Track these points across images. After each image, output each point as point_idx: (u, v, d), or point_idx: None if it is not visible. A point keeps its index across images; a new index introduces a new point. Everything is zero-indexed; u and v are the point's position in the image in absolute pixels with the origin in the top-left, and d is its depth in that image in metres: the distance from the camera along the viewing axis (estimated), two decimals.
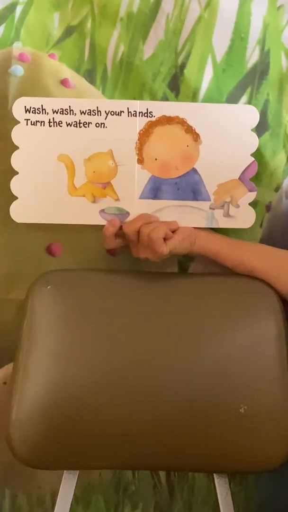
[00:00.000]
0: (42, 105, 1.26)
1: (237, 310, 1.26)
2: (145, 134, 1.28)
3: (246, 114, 1.31)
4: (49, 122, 1.26)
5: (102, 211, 1.30)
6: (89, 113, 1.27)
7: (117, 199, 1.29)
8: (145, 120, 1.28)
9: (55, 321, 1.23)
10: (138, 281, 1.29)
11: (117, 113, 1.27)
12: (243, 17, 1.33)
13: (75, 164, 1.28)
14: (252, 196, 1.32)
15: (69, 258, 1.33)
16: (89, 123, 1.27)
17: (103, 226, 1.29)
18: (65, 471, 1.21)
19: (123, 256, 1.34)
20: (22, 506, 1.41)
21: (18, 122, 1.26)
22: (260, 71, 1.35)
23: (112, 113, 1.27)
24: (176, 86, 1.33)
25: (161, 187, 1.30)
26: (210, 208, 1.31)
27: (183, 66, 1.33)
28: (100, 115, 1.27)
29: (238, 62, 1.34)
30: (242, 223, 1.33)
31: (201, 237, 1.30)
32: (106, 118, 1.27)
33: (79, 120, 1.27)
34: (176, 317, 1.25)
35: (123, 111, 1.27)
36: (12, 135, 1.26)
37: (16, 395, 1.18)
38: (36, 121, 1.26)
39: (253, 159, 1.31)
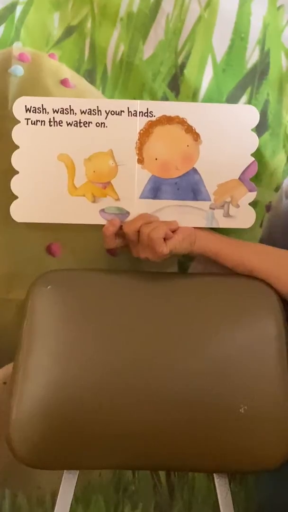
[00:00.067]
0: (42, 105, 1.26)
1: (237, 310, 1.26)
2: (145, 134, 1.28)
3: (246, 114, 1.31)
4: (50, 121, 1.26)
5: (102, 211, 1.30)
6: (89, 113, 1.27)
7: (117, 199, 1.29)
8: (145, 120, 1.28)
9: (55, 321, 1.23)
10: (138, 281, 1.29)
11: (117, 112, 1.27)
12: (243, 17, 1.33)
13: (75, 164, 1.28)
14: (252, 196, 1.32)
15: (69, 258, 1.33)
16: (89, 122, 1.27)
17: (103, 226, 1.29)
18: (65, 471, 1.21)
19: (123, 256, 1.34)
20: (22, 506, 1.41)
21: (18, 121, 1.26)
22: (260, 71, 1.35)
23: (112, 112, 1.27)
24: (176, 86, 1.33)
25: (161, 187, 1.30)
26: (210, 208, 1.31)
27: (183, 66, 1.33)
28: (100, 114, 1.27)
29: (238, 62, 1.34)
30: (242, 223, 1.33)
31: (201, 237, 1.30)
32: (106, 117, 1.27)
33: (79, 120, 1.27)
34: (176, 317, 1.25)
35: (123, 111, 1.27)
36: (12, 135, 1.26)
37: (16, 395, 1.18)
38: (37, 121, 1.26)
39: (253, 159, 1.31)
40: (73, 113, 1.26)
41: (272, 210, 1.38)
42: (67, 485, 1.21)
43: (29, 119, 1.26)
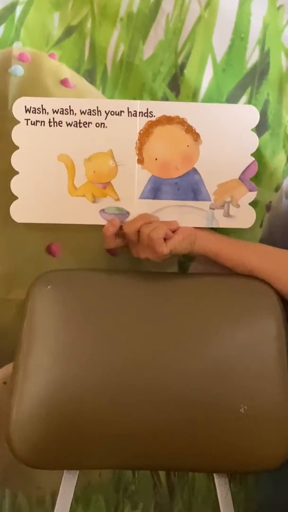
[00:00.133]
0: (42, 105, 1.26)
1: (237, 310, 1.26)
2: (145, 134, 1.28)
3: (246, 114, 1.31)
4: (49, 122, 1.26)
5: (102, 211, 1.30)
6: (89, 113, 1.27)
7: (117, 199, 1.29)
8: (145, 120, 1.28)
9: (55, 321, 1.23)
10: (138, 281, 1.29)
11: (117, 113, 1.27)
12: (243, 17, 1.33)
13: (75, 164, 1.28)
14: (252, 196, 1.32)
15: (69, 258, 1.33)
16: (89, 123, 1.27)
17: (103, 226, 1.29)
18: (65, 471, 1.22)
19: (123, 256, 1.34)
20: (22, 506, 1.41)
21: (18, 122, 1.26)
22: (260, 71, 1.35)
23: (112, 113, 1.27)
24: (176, 86, 1.33)
25: (161, 187, 1.30)
26: (210, 208, 1.31)
27: (183, 66, 1.33)
28: (100, 115, 1.27)
29: (238, 62, 1.34)
30: (242, 223, 1.33)
31: (201, 237, 1.30)
32: (106, 118, 1.27)
33: (79, 120, 1.27)
34: (176, 317, 1.25)
35: (123, 111, 1.27)
36: (12, 135, 1.26)
37: (16, 395, 1.18)
38: (36, 121, 1.26)
39: (253, 159, 1.31)
40: (73, 114, 1.26)
41: (272, 210, 1.38)
42: (67, 485, 1.21)
43: (29, 119, 1.26)
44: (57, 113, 1.26)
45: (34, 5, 1.30)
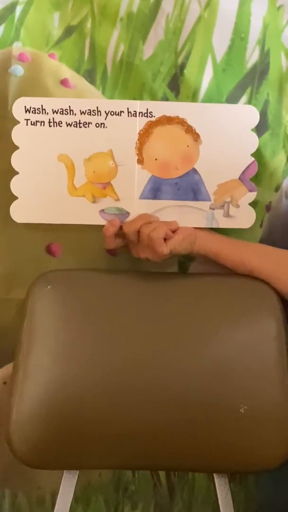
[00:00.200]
0: (42, 105, 1.26)
1: (237, 310, 1.26)
2: (145, 134, 1.28)
3: (246, 114, 1.31)
4: (49, 122, 1.26)
5: (102, 211, 1.30)
6: (89, 113, 1.27)
7: (117, 199, 1.29)
8: (145, 120, 1.28)
9: (55, 321, 1.23)
10: (138, 281, 1.29)
11: (117, 113, 1.27)
12: (243, 17, 1.33)
13: (75, 164, 1.28)
14: (252, 196, 1.32)
15: (69, 258, 1.33)
16: (89, 123, 1.27)
17: (103, 226, 1.29)
18: (65, 471, 1.22)
19: (123, 256, 1.34)
20: (22, 506, 1.41)
21: (18, 122, 1.26)
22: (260, 71, 1.35)
23: (112, 113, 1.27)
24: (176, 86, 1.33)
25: (161, 187, 1.30)
26: (210, 208, 1.31)
27: (183, 66, 1.33)
28: (100, 115, 1.27)
29: (238, 62, 1.34)
30: (242, 223, 1.33)
31: (201, 237, 1.30)
32: (106, 118, 1.27)
33: (79, 120, 1.27)
34: (176, 317, 1.25)
35: (123, 111, 1.27)
36: (12, 135, 1.26)
37: (16, 395, 1.18)
38: (36, 121, 1.26)
39: (253, 159, 1.31)
40: (72, 114, 1.26)
41: (272, 210, 1.38)
42: (67, 485, 1.21)
43: (29, 119, 1.26)
44: (57, 113, 1.26)
45: (34, 5, 1.30)
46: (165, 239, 1.26)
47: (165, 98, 1.33)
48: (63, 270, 1.31)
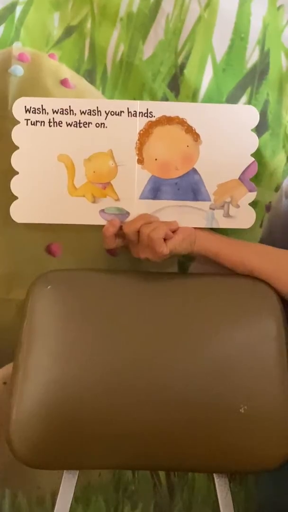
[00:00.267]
0: (42, 105, 1.26)
1: (237, 310, 1.26)
2: (145, 134, 1.28)
3: (246, 114, 1.31)
4: (49, 122, 1.26)
5: (102, 211, 1.30)
6: (89, 113, 1.27)
7: (117, 199, 1.29)
8: (145, 120, 1.28)
9: (55, 321, 1.23)
10: (138, 281, 1.29)
11: (117, 113, 1.27)
12: (243, 17, 1.33)
13: (75, 164, 1.28)
14: (252, 196, 1.32)
15: (69, 258, 1.33)
16: (89, 123, 1.27)
17: (103, 226, 1.29)
18: (65, 471, 1.22)
19: (123, 256, 1.34)
20: (22, 506, 1.41)
21: (18, 122, 1.26)
22: (260, 71, 1.35)
23: (112, 113, 1.27)
24: (176, 86, 1.33)
25: (161, 187, 1.30)
26: (210, 208, 1.31)
27: (183, 66, 1.33)
28: (100, 115, 1.27)
29: (238, 62, 1.34)
30: (242, 223, 1.33)
31: (201, 237, 1.30)
32: (106, 118, 1.27)
33: (79, 120, 1.27)
34: (176, 317, 1.25)
35: (123, 111, 1.27)
36: (12, 135, 1.26)
37: (16, 395, 1.18)
38: (36, 121, 1.26)
39: (253, 159, 1.31)
40: (73, 114, 1.26)
41: (272, 210, 1.38)
42: (67, 485, 1.21)
43: (29, 119, 1.26)
44: (57, 113, 1.26)
45: (34, 5, 1.30)
46: (165, 239, 1.26)
47: (165, 98, 1.33)
48: (63, 270, 1.31)
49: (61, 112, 1.26)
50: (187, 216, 1.31)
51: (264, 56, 1.34)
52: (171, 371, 1.20)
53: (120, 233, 1.28)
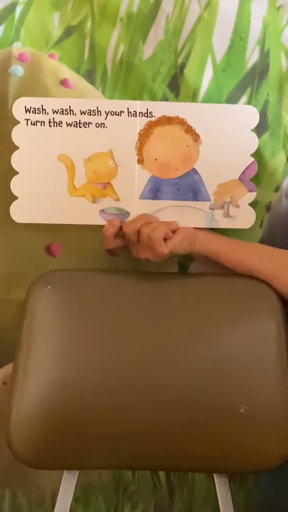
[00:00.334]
0: (42, 105, 1.26)
1: (237, 310, 1.26)
2: (145, 134, 1.28)
3: (246, 114, 1.31)
4: (49, 122, 1.26)
5: (102, 211, 1.30)
6: (89, 113, 1.27)
7: (117, 199, 1.29)
8: (145, 120, 1.28)
9: (55, 321, 1.23)
10: (138, 281, 1.29)
11: (117, 113, 1.27)
12: (243, 17, 1.33)
13: (75, 164, 1.28)
14: (252, 196, 1.32)
15: (69, 258, 1.33)
16: (89, 123, 1.27)
17: (103, 226, 1.29)
18: (65, 471, 1.22)
19: (123, 256, 1.34)
20: (22, 506, 1.41)
21: (18, 122, 1.26)
22: (260, 71, 1.35)
23: (112, 113, 1.27)
24: (176, 86, 1.33)
25: (161, 187, 1.30)
26: (210, 208, 1.31)
27: (183, 66, 1.33)
28: (100, 115, 1.27)
29: (238, 62, 1.34)
30: (242, 223, 1.33)
31: (201, 237, 1.30)
32: (106, 118, 1.27)
33: (79, 120, 1.27)
34: (176, 317, 1.25)
35: (123, 111, 1.27)
36: (12, 135, 1.26)
37: (16, 395, 1.18)
38: (36, 121, 1.26)
39: (253, 159, 1.31)
40: (73, 114, 1.26)
41: (272, 210, 1.38)
42: (67, 485, 1.21)
43: (29, 119, 1.26)
44: (57, 113, 1.26)
45: (34, 5, 1.30)
46: (165, 239, 1.26)
47: (165, 98, 1.33)
48: (63, 270, 1.31)
49: (61, 112, 1.26)
50: (187, 216, 1.31)
51: (264, 56, 1.34)
52: (171, 371, 1.20)
53: (120, 233, 1.28)
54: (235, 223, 1.32)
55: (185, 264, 1.37)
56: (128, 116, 1.27)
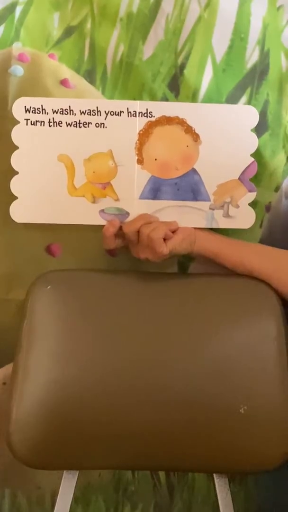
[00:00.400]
0: (42, 105, 1.26)
1: (237, 310, 1.26)
2: (145, 134, 1.28)
3: (246, 114, 1.31)
4: (49, 122, 1.26)
5: (102, 211, 1.30)
6: (89, 113, 1.27)
7: (117, 199, 1.29)
8: (145, 120, 1.28)
9: (55, 321, 1.23)
10: (138, 281, 1.29)
11: (117, 113, 1.27)
12: (243, 17, 1.33)
13: (75, 164, 1.28)
14: (251, 196, 1.32)
15: (69, 258, 1.33)
16: (89, 123, 1.27)
17: (103, 226, 1.29)
18: (65, 471, 1.21)
19: (123, 256, 1.34)
20: (22, 506, 1.41)
21: (18, 122, 1.26)
22: (260, 71, 1.35)
23: (112, 113, 1.27)
24: (176, 86, 1.33)
25: (161, 187, 1.30)
26: (210, 208, 1.31)
27: (183, 66, 1.33)
28: (100, 115, 1.27)
29: (238, 62, 1.34)
30: (242, 224, 1.33)
31: (201, 237, 1.30)
32: (106, 118, 1.27)
33: (79, 120, 1.27)
34: (176, 317, 1.25)
35: (123, 111, 1.27)
36: (12, 135, 1.26)
37: (16, 395, 1.18)
38: (36, 121, 1.26)
39: (252, 159, 1.31)
40: (72, 114, 1.27)
41: (272, 211, 1.38)
42: (67, 485, 1.21)
43: (29, 119, 1.26)
44: (57, 113, 1.26)
45: (34, 5, 1.30)
46: (164, 239, 1.26)
47: (165, 98, 1.33)
48: (63, 270, 1.31)
49: (61, 112, 1.26)
50: (187, 216, 1.31)
51: (264, 56, 1.34)
52: (171, 371, 1.20)
53: (120, 233, 1.28)
54: (235, 223, 1.32)
55: (185, 264, 1.37)
56: (128, 116, 1.27)
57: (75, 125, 1.27)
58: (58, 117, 1.27)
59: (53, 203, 1.29)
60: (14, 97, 1.28)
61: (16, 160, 1.27)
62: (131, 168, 1.29)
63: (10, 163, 1.27)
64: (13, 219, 1.28)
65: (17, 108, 1.26)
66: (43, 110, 1.26)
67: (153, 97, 1.32)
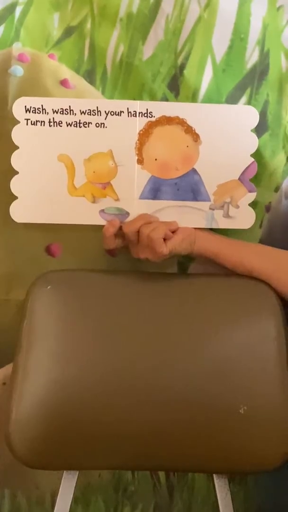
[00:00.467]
0: (42, 105, 1.26)
1: (237, 311, 1.26)
2: (145, 134, 1.28)
3: (246, 114, 1.31)
4: (49, 122, 1.26)
5: (102, 211, 1.30)
6: (89, 113, 1.27)
7: (117, 199, 1.29)
8: (145, 120, 1.28)
9: (55, 321, 1.23)
10: (138, 281, 1.29)
11: (117, 113, 1.27)
12: (243, 17, 1.33)
13: (75, 164, 1.28)
14: (251, 196, 1.32)
15: (69, 258, 1.33)
16: (89, 123, 1.27)
17: (103, 226, 1.29)
18: (65, 471, 1.21)
19: (123, 256, 1.34)
20: (22, 506, 1.41)
21: (18, 122, 1.26)
22: (260, 71, 1.35)
23: (112, 113, 1.27)
24: (176, 86, 1.33)
25: (161, 187, 1.30)
26: (210, 208, 1.31)
27: (182, 66, 1.33)
28: (100, 115, 1.27)
29: (238, 63, 1.34)
30: (242, 224, 1.33)
31: (201, 237, 1.30)
32: (106, 118, 1.27)
33: (79, 120, 1.27)
34: (176, 318, 1.25)
35: (123, 111, 1.27)
36: (12, 135, 1.26)
37: (16, 395, 1.18)
38: (36, 121, 1.26)
39: (252, 159, 1.31)
40: (72, 114, 1.27)
41: (272, 211, 1.38)
42: (67, 486, 1.21)
43: (29, 119, 1.26)
44: (57, 113, 1.26)
45: (34, 5, 1.30)
46: (164, 240, 1.26)
47: (165, 99, 1.33)
48: (63, 270, 1.30)
49: (61, 112, 1.26)
50: (187, 216, 1.31)
51: (264, 56, 1.34)
52: (171, 371, 1.20)
53: (120, 233, 1.28)
54: (235, 224, 1.32)
55: (185, 264, 1.37)
56: (128, 116, 1.28)
57: (75, 125, 1.27)
58: (58, 117, 1.27)
59: (53, 203, 1.29)
60: (14, 97, 1.28)
61: (16, 160, 1.27)
62: (131, 168, 1.29)
63: (10, 163, 1.27)
64: (13, 219, 1.28)
65: (17, 108, 1.26)
66: (43, 110, 1.26)
67: (153, 97, 1.32)
